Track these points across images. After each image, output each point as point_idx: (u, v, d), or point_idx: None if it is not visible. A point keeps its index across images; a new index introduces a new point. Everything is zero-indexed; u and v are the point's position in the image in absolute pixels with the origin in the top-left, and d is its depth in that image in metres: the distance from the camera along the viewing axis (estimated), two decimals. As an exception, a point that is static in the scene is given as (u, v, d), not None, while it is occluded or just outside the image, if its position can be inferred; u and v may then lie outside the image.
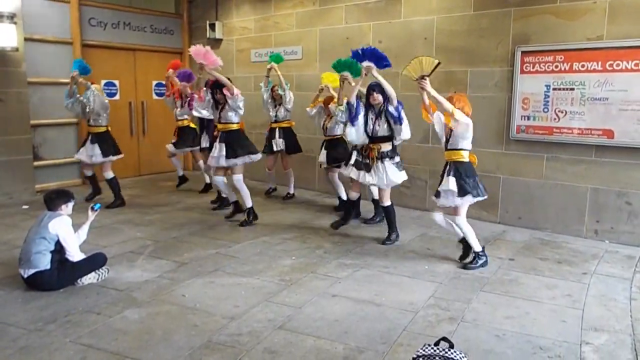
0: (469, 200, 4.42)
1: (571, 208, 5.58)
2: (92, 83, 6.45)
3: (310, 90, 7.12)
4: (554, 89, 5.51)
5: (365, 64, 4.83)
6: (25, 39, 6.88)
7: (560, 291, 4.02)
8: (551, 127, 5.57)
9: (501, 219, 6.05)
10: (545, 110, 5.60)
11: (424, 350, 2.47)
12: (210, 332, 3.23)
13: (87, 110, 6.33)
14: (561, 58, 5.42)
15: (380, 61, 4.78)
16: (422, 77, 4.34)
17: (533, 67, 5.61)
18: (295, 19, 7.77)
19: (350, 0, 7.09)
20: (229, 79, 5.66)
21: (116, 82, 8.32)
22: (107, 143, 6.43)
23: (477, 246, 4.54)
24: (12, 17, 6.45)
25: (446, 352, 2.44)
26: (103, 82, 7.97)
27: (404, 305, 3.68)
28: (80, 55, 7.55)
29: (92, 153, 6.38)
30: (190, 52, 5.42)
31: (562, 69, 5.43)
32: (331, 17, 7.34)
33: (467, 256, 4.65)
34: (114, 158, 6.52)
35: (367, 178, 5.15)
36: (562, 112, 5.50)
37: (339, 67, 5.40)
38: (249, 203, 5.81)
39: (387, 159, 5.06)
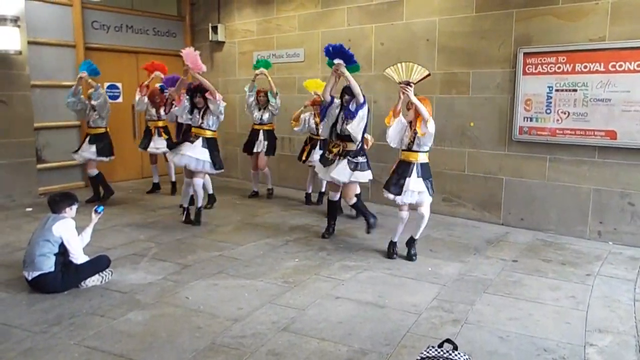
0: (430, 199, 4.68)
1: (574, 209, 5.57)
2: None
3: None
4: (557, 90, 5.51)
5: (336, 61, 4.81)
6: (29, 42, 6.91)
7: (564, 293, 4.01)
8: (554, 129, 5.57)
9: (504, 221, 6.05)
10: (548, 111, 5.59)
11: (427, 352, 2.47)
12: (214, 334, 3.24)
13: (88, 111, 6.51)
14: (563, 59, 5.42)
15: (349, 59, 4.79)
16: (408, 84, 4.39)
17: (535, 69, 5.61)
18: (298, 22, 7.78)
19: (352, 3, 7.10)
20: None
21: (119, 84, 8.34)
22: (103, 143, 6.59)
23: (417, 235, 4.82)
24: (15, 21, 6.49)
25: (450, 354, 2.43)
26: (106, 84, 8.00)
27: (408, 307, 3.69)
28: (84, 58, 7.58)
29: (87, 151, 6.54)
30: (182, 52, 5.47)
31: (565, 70, 5.43)
32: (333, 20, 7.35)
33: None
34: (106, 159, 6.67)
35: (321, 172, 5.28)
36: (564, 113, 5.49)
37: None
38: (200, 203, 5.95)
39: (346, 157, 5.06)
